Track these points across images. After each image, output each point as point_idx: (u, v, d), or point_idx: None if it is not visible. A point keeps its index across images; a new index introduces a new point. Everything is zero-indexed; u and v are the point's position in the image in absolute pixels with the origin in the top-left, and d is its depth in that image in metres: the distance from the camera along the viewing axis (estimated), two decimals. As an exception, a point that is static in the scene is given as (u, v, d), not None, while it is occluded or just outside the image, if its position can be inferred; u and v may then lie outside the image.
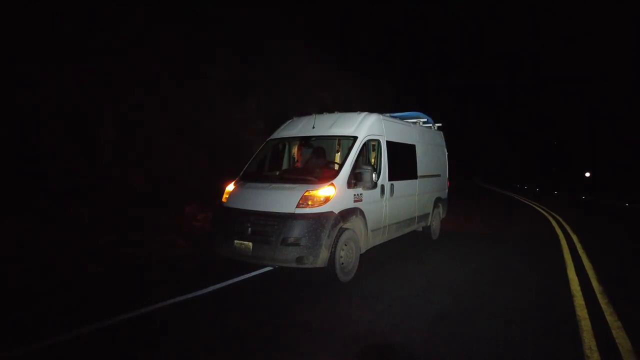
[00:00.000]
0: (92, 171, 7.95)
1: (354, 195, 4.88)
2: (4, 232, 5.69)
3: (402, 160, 6.27)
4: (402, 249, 6.80)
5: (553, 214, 13.66)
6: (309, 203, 4.45)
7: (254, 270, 5.15)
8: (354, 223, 4.89)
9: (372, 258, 5.89)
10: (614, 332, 3.52)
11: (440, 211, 8.01)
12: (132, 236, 6.65)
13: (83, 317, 3.60)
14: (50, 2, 7.84)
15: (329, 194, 4.53)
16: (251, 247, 4.48)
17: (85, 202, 7.21)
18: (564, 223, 11.08)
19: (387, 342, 3.27)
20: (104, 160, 8.33)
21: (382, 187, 5.49)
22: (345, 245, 4.74)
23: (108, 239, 6.39)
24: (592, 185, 38.68)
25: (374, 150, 5.62)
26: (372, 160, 5.57)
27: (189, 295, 4.24)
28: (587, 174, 45.02)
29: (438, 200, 7.77)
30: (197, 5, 11.43)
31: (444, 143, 8.41)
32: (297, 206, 4.44)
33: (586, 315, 3.87)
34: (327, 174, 4.90)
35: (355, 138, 5.15)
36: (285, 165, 6.24)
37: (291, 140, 6.07)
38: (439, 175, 7.87)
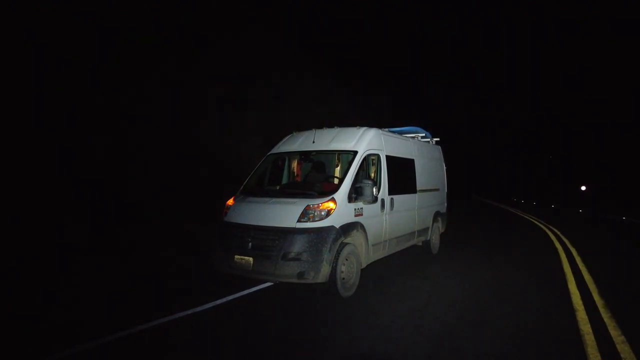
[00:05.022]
0: (90, 186, 7.93)
1: (355, 209, 4.88)
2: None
3: (402, 175, 6.30)
4: (402, 263, 6.77)
5: (550, 226, 13.68)
6: (310, 217, 4.44)
7: (254, 286, 5.10)
8: (355, 237, 4.88)
9: (373, 273, 5.85)
10: (618, 346, 3.49)
11: (440, 225, 8.01)
12: (130, 252, 6.59)
13: (76, 336, 3.54)
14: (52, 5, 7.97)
15: (330, 208, 4.53)
16: (252, 263, 4.45)
17: (83, 217, 7.17)
18: (561, 235, 11.09)
19: (390, 359, 3.23)
20: (101, 175, 8.32)
21: (382, 201, 5.51)
22: (346, 260, 4.72)
23: (106, 255, 6.33)
24: (589, 198, 38.87)
25: (373, 164, 5.65)
26: (372, 175, 5.59)
27: (189, 312, 4.18)
28: (583, 188, 45.28)
29: (437, 215, 7.78)
30: (198, 21, 11.65)
31: (442, 157, 8.48)
32: (298, 221, 4.43)
33: (589, 330, 3.84)
34: (328, 188, 4.90)
35: (355, 152, 5.19)
36: (285, 180, 6.25)
37: (291, 154, 6.09)
38: (437, 190, 7.91)
